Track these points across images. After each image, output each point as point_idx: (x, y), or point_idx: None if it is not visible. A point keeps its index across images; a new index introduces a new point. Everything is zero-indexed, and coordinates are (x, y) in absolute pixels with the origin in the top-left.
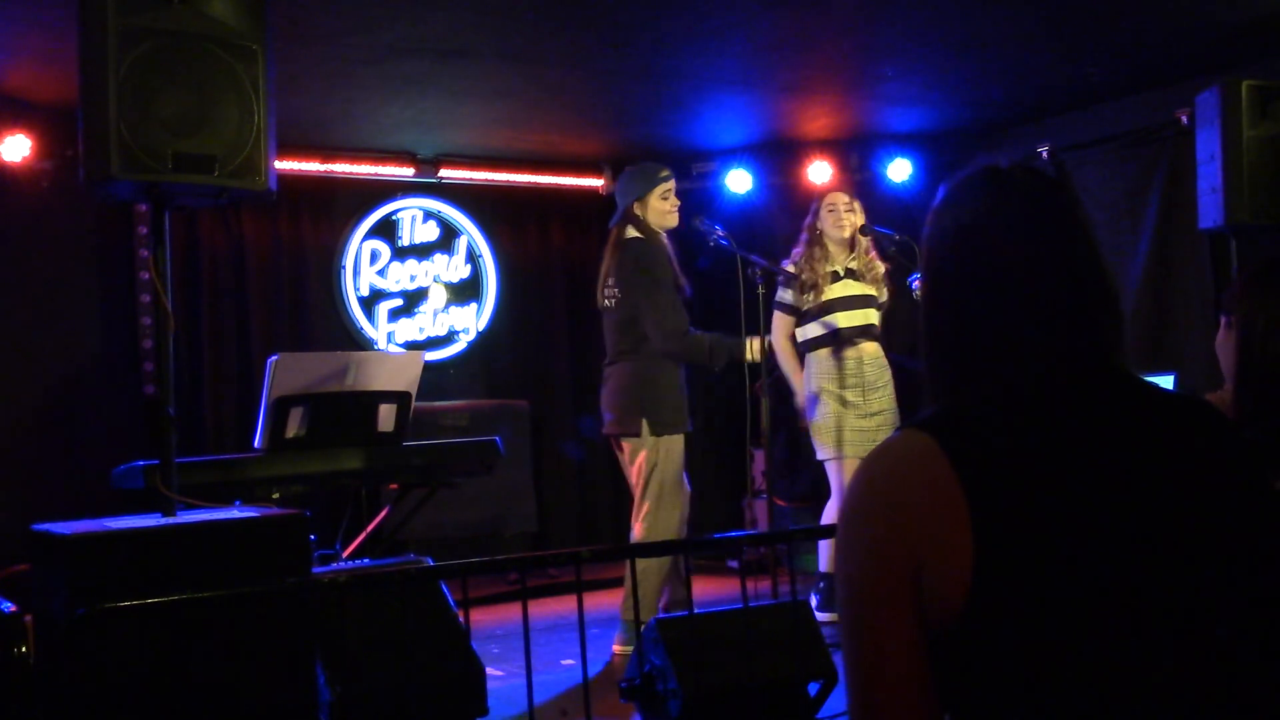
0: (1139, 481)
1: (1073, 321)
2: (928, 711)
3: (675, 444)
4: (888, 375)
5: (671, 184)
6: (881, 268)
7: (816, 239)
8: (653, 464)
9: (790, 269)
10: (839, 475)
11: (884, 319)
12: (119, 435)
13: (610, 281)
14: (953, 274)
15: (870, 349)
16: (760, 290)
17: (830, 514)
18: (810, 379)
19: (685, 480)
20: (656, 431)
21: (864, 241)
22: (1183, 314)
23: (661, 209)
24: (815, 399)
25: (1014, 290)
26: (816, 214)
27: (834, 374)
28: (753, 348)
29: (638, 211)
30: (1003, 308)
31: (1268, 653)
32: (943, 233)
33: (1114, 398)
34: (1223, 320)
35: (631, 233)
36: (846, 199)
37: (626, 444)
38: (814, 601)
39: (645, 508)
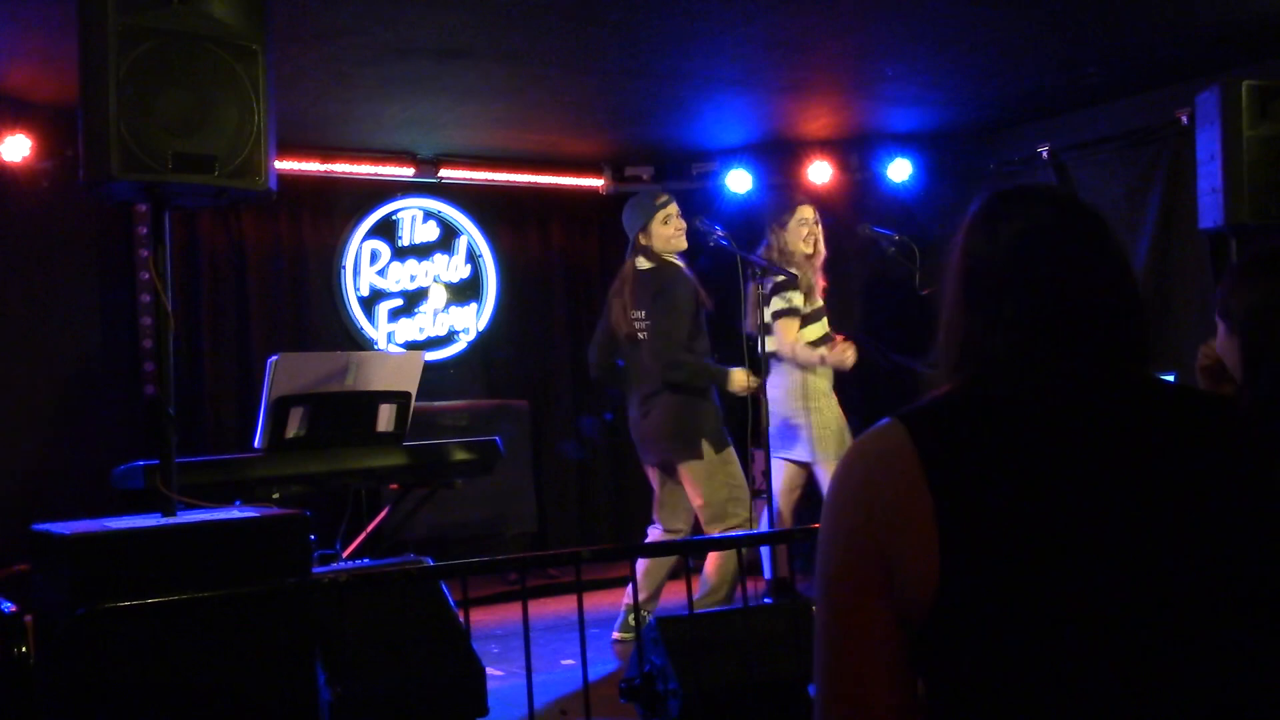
0: (1121, 486)
1: (1098, 330)
2: (891, 704)
3: (730, 455)
4: None
5: (671, 208)
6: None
7: (784, 253)
8: (723, 479)
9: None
10: None
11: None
12: (119, 435)
13: (641, 314)
14: (983, 282)
15: None
16: (760, 292)
17: None
18: (808, 385)
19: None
20: (718, 449)
21: (822, 253)
22: (1183, 314)
23: (665, 234)
24: (819, 405)
25: (1045, 300)
26: (785, 226)
27: (831, 376)
28: (736, 379)
29: (643, 241)
30: (1036, 315)
31: (1261, 651)
32: (992, 241)
33: (1121, 401)
34: (1221, 324)
35: (643, 264)
36: (814, 213)
37: (687, 469)
38: None
39: (720, 521)
